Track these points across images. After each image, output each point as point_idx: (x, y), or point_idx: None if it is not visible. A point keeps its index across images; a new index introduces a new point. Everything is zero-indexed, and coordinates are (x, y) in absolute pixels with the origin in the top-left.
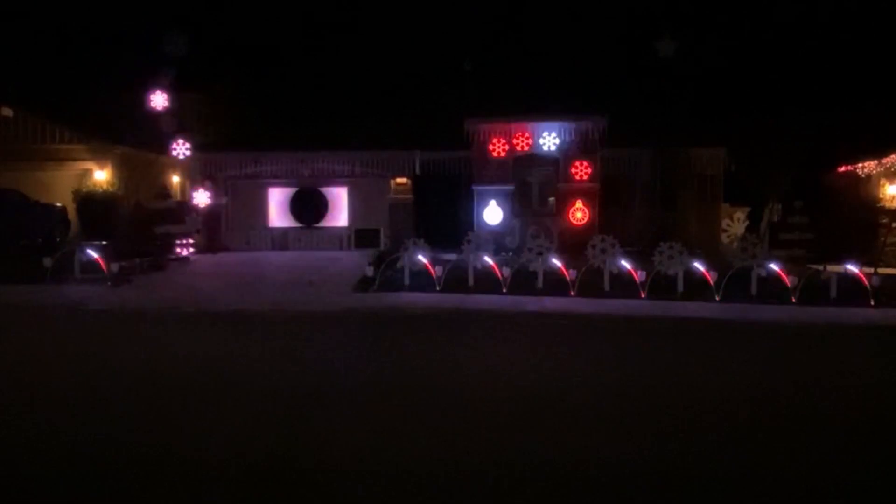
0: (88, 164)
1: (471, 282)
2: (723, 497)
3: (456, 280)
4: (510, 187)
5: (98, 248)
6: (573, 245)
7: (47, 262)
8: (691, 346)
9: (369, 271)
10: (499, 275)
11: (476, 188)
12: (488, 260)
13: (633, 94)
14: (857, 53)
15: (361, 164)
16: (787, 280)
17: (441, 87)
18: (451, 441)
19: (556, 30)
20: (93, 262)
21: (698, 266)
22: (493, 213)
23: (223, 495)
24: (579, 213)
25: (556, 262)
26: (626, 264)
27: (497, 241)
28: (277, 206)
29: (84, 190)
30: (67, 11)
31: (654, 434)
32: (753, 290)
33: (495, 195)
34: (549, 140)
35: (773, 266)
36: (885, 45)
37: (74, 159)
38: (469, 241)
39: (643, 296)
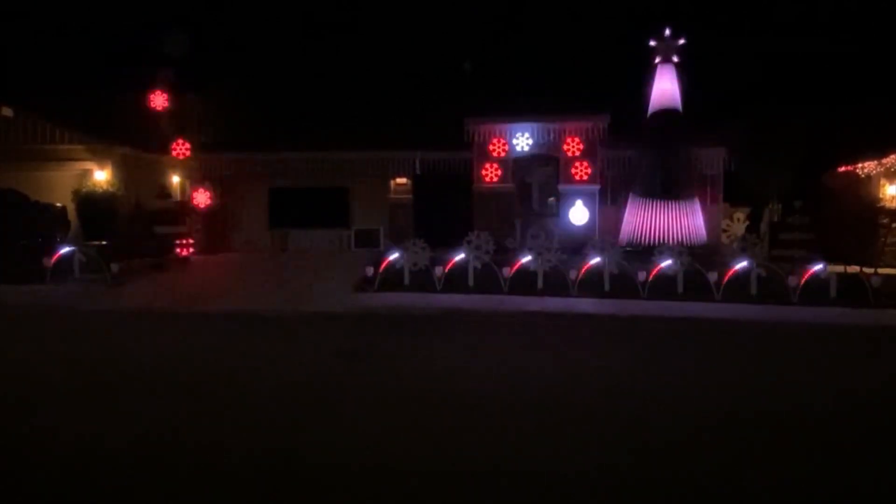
0: (88, 164)
1: (471, 282)
2: (723, 499)
3: (456, 280)
4: (510, 187)
5: (98, 248)
6: (573, 245)
7: (47, 262)
8: (691, 346)
9: (369, 271)
10: (499, 275)
11: (476, 188)
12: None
13: (634, 94)
14: (857, 54)
15: (361, 164)
16: (787, 280)
17: (441, 87)
18: (452, 442)
19: (556, 30)
20: (93, 262)
21: (698, 266)
22: (578, 213)
23: (224, 495)
24: (579, 213)
25: (556, 263)
26: (625, 264)
27: (497, 241)
28: (277, 206)
29: (84, 190)
30: (67, 11)
31: (654, 436)
32: (753, 290)
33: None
34: (550, 140)
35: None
36: (885, 46)
37: (74, 159)
38: (469, 241)
39: (643, 296)
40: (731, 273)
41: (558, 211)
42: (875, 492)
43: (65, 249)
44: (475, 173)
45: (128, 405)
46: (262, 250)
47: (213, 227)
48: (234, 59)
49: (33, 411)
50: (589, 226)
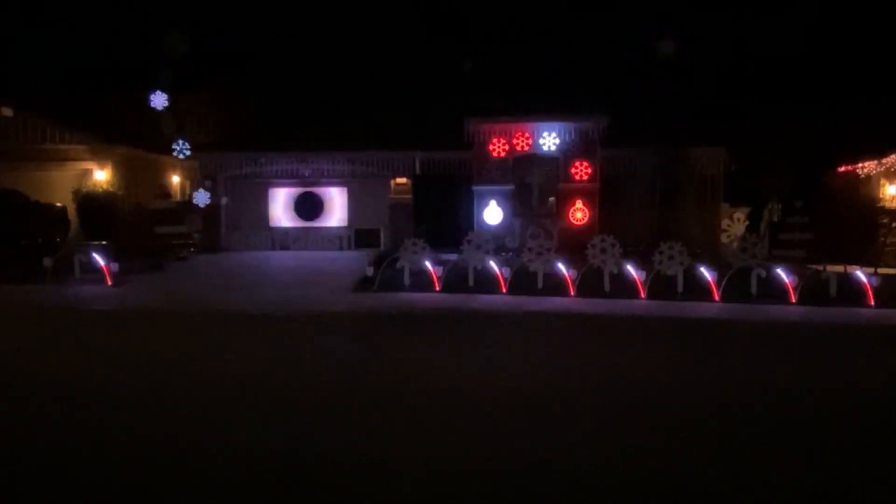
0: (88, 164)
1: (471, 282)
2: (723, 499)
3: (456, 280)
4: (510, 187)
5: (98, 248)
6: (573, 245)
7: (47, 262)
8: (691, 346)
9: (369, 271)
10: (499, 275)
11: (476, 188)
12: (491, 262)
13: (633, 94)
14: (857, 53)
15: (361, 164)
16: (788, 280)
17: (441, 87)
18: (451, 441)
19: (557, 29)
20: (93, 262)
21: (698, 266)
22: (493, 213)
23: (225, 494)
24: (579, 213)
25: (556, 262)
26: (625, 264)
27: (497, 241)
28: (277, 206)
29: (84, 190)
30: (68, 11)
31: (654, 435)
32: (753, 290)
33: (495, 195)
34: (549, 140)
35: (777, 268)
36: (885, 46)
37: (74, 159)
38: (469, 241)
39: (643, 296)
40: (731, 273)
41: (558, 210)
42: (874, 490)
43: (66, 249)
44: (475, 173)
45: (127, 405)
46: (262, 250)
47: (213, 226)
48: (234, 60)
49: (33, 411)
50: (589, 225)
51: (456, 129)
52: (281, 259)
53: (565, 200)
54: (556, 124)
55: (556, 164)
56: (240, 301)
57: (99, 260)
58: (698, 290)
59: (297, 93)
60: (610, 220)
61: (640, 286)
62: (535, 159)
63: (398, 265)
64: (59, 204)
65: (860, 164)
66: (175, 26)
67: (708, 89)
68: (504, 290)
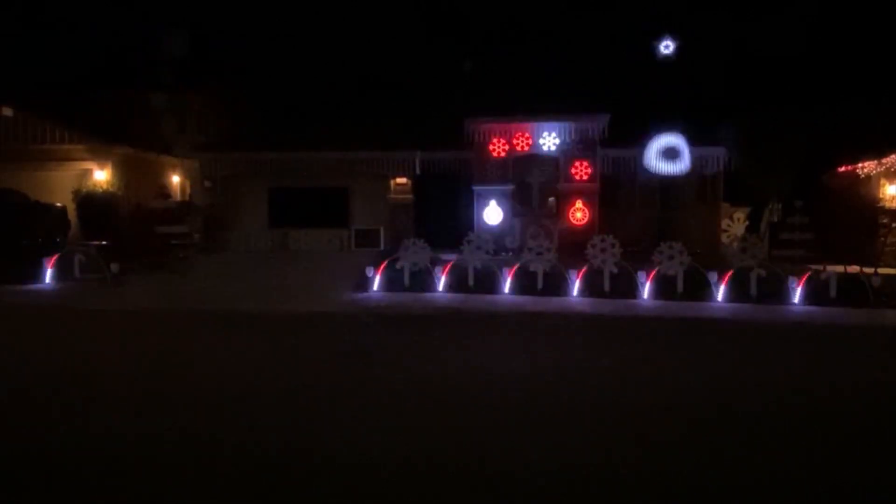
0: (88, 164)
1: (471, 282)
2: (723, 499)
3: (456, 280)
4: (510, 187)
5: (98, 248)
6: (573, 245)
7: (47, 262)
8: (691, 346)
9: (369, 271)
10: (499, 275)
11: (476, 188)
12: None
13: (633, 93)
14: (857, 54)
15: (361, 164)
16: (787, 280)
17: (441, 87)
18: (451, 441)
19: (557, 29)
20: (93, 262)
21: (698, 266)
22: (493, 213)
23: (225, 494)
24: (579, 213)
25: (556, 263)
26: (625, 264)
27: (497, 241)
28: (277, 206)
29: (84, 190)
30: (67, 12)
31: (654, 435)
32: (753, 290)
33: (495, 195)
34: (549, 140)
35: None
36: (885, 46)
37: (74, 159)
38: (469, 241)
39: (643, 296)
40: (731, 273)
41: (558, 210)
42: (874, 489)
43: (66, 249)
44: (475, 173)
45: (127, 404)
46: (261, 250)
47: (213, 227)
48: (234, 59)
49: (32, 411)
50: (589, 225)
51: (456, 129)
52: (280, 259)
53: (565, 200)
54: (556, 124)
55: (556, 164)
56: (239, 301)
57: (99, 260)
58: (698, 290)
59: (297, 93)
60: (610, 220)
61: (640, 286)
62: (535, 159)
63: (398, 265)
64: (59, 204)
65: (860, 164)
66: (175, 26)
67: (708, 89)
68: (504, 290)
